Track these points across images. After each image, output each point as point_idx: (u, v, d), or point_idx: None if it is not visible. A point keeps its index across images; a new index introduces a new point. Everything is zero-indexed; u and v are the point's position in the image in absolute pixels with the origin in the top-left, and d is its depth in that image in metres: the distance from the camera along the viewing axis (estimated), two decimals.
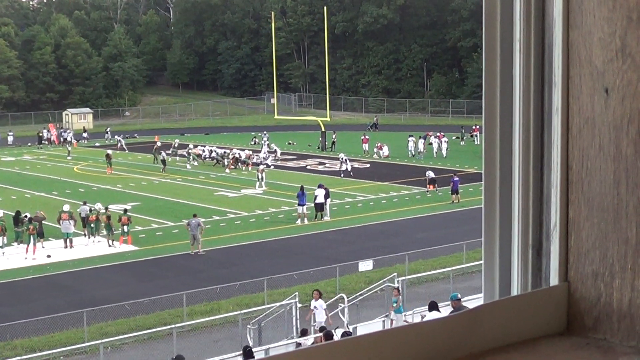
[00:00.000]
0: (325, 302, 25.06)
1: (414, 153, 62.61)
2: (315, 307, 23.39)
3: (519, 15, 1.73)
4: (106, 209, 36.70)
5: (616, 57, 1.58)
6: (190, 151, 60.81)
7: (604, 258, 1.63)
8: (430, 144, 64.46)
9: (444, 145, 63.27)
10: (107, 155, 58.06)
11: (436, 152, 62.95)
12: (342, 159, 53.73)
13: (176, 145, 65.08)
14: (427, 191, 46.03)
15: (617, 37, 1.57)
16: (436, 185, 45.90)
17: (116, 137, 76.74)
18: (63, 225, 34.73)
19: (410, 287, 26.62)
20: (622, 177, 1.58)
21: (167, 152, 60.77)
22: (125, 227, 34.93)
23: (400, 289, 24.24)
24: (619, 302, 1.61)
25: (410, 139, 63.94)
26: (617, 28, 1.57)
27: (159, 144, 63.22)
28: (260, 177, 48.48)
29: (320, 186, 40.58)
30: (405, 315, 23.65)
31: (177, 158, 61.49)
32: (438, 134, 66.25)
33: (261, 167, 50.71)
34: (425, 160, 59.12)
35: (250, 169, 55.22)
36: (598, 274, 1.64)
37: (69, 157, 66.65)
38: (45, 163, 64.54)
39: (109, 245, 34.95)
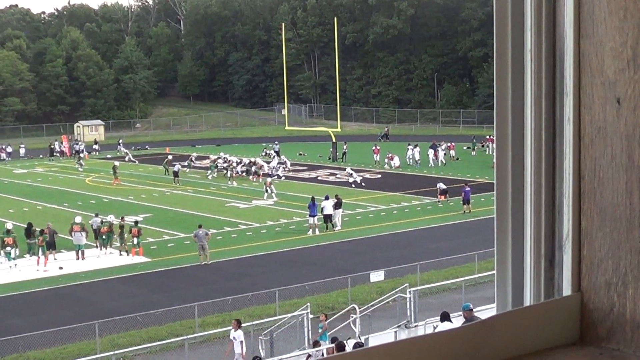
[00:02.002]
0: (336, 314, 25.02)
1: (413, 161, 62.88)
2: (234, 337, 22.01)
3: (530, 25, 1.73)
4: (122, 218, 36.96)
5: (628, 67, 1.57)
6: (218, 162, 60.64)
7: (617, 268, 1.63)
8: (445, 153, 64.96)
9: (441, 154, 63.88)
10: (114, 167, 58.43)
11: (438, 161, 63.22)
12: (349, 172, 53.79)
13: (193, 158, 64.88)
14: (439, 201, 46.02)
15: (628, 47, 1.57)
16: (447, 195, 45.90)
17: (123, 149, 76.85)
18: (75, 237, 34.81)
19: (422, 298, 26.55)
20: (635, 187, 1.58)
21: (183, 164, 60.65)
22: (135, 239, 35.14)
23: (326, 314, 24.00)
24: (632, 312, 1.60)
25: (408, 147, 64.10)
26: (629, 38, 1.57)
27: (170, 157, 63.30)
28: (269, 190, 48.25)
29: (327, 197, 40.56)
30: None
31: (187, 170, 61.19)
32: (449, 144, 66.39)
33: (269, 179, 50.54)
34: (436, 170, 59.22)
35: (260, 179, 55.24)
36: (611, 284, 1.64)
37: (80, 169, 66.91)
38: (56, 175, 64.75)
39: (120, 254, 35.19)
